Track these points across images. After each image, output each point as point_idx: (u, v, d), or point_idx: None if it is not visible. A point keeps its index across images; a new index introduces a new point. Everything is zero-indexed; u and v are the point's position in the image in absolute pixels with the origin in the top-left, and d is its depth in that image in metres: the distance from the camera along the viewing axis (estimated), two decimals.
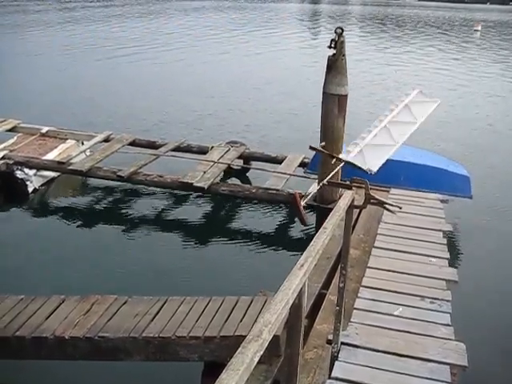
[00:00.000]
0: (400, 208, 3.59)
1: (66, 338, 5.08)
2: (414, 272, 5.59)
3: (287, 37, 34.18)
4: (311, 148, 4.51)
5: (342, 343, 4.12)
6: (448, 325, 4.61)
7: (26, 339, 5.10)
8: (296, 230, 9.04)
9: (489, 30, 48.33)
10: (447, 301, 5.03)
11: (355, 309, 4.80)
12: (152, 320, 5.22)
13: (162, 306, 5.45)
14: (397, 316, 4.72)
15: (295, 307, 2.14)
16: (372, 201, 3.56)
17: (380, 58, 26.99)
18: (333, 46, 7.52)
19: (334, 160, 4.34)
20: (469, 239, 8.40)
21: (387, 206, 3.54)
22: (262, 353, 1.80)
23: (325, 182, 3.47)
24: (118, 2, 51.68)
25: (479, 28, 46.60)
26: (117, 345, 5.04)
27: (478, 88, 20.97)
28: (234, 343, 4.90)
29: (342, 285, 3.73)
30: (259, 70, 22.98)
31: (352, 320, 4.59)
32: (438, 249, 6.28)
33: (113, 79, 20.32)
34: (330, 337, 4.09)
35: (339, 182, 3.56)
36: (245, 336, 4.74)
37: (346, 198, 3.37)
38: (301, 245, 8.22)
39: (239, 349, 1.75)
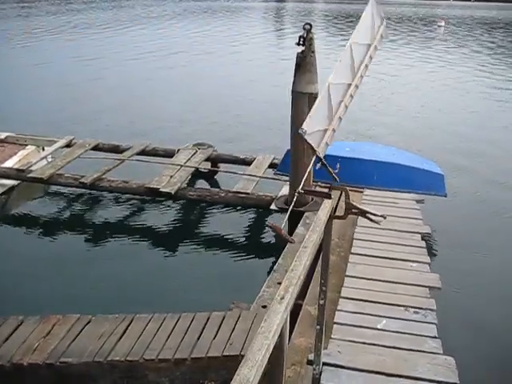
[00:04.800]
0: (385, 218, 3.28)
1: (25, 364, 4.69)
2: (394, 279, 5.31)
3: (254, 36, 33.78)
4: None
5: (324, 364, 3.80)
6: (435, 337, 4.34)
7: None
8: (268, 235, 8.74)
9: None
10: (432, 310, 4.75)
11: (336, 323, 4.49)
12: (118, 341, 4.87)
13: (129, 324, 5.10)
14: (381, 329, 4.42)
15: (276, 349, 1.81)
16: (353, 210, 3.25)
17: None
18: (301, 42, 7.20)
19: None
20: (446, 240, 8.13)
21: (370, 215, 3.23)
22: None
23: (300, 190, 3.13)
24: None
25: (443, 24, 46.77)
26: (80, 370, 4.67)
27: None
28: (205, 365, 4.59)
29: (322, 302, 3.42)
30: (226, 70, 22.57)
31: (333, 336, 4.28)
32: (417, 253, 6.01)
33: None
34: (311, 356, 3.76)
35: (316, 190, 3.23)
36: (217, 357, 4.41)
37: (325, 208, 3.06)
38: (273, 250, 7.99)
39: None
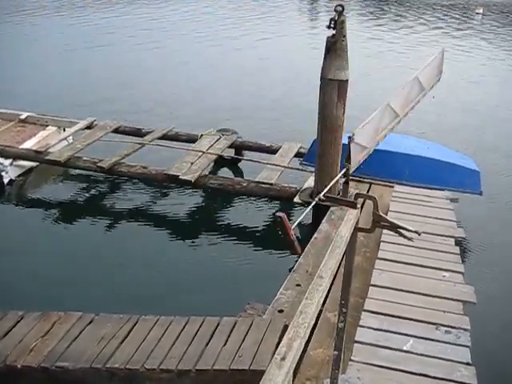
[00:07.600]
0: (419, 234, 2.82)
1: (19, 366, 4.36)
2: (424, 291, 4.82)
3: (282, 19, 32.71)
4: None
5: None
6: (468, 364, 3.85)
7: None
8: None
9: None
10: (465, 330, 4.27)
11: (356, 342, 4.04)
12: (119, 346, 4.50)
13: (133, 327, 4.74)
14: (407, 351, 3.95)
15: None
16: (383, 223, 2.79)
17: (382, 40, 25.81)
18: (332, 25, 6.73)
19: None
20: (483, 246, 7.48)
21: (402, 231, 2.77)
22: None
23: (321, 196, 2.70)
24: None
25: (481, 11, 45.06)
26: (77, 376, 4.33)
27: (485, 74, 19.92)
28: (211, 378, 4.19)
29: (341, 325, 2.99)
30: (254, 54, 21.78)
31: (353, 358, 3.83)
32: (451, 260, 5.50)
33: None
34: (326, 383, 3.33)
35: (340, 197, 2.79)
36: (224, 370, 4.01)
37: (348, 222, 2.60)
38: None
39: None
